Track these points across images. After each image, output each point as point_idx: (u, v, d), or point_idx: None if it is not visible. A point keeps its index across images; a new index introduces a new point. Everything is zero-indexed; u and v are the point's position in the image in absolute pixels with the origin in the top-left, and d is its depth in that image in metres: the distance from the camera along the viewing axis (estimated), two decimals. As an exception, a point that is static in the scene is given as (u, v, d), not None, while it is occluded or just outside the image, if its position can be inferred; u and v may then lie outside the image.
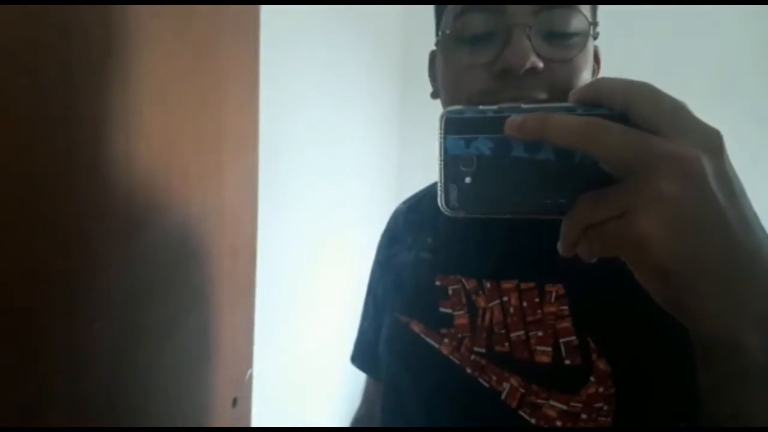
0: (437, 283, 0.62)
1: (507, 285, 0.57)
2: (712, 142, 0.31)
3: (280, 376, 1.49)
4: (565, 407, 0.53)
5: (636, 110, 0.31)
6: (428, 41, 0.62)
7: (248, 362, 1.15)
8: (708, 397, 0.36)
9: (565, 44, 0.50)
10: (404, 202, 0.80)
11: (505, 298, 0.57)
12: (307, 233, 1.59)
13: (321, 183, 1.66)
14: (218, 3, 0.76)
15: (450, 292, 0.61)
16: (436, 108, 0.47)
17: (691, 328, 0.33)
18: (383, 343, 0.69)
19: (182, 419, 0.88)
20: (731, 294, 0.31)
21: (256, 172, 1.00)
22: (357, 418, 0.87)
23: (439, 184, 0.36)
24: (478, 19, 0.50)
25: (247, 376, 1.10)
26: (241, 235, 0.95)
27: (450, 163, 0.36)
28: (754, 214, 0.32)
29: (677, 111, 0.32)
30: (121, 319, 0.59)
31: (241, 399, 1.14)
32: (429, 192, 0.76)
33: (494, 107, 0.35)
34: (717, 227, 0.30)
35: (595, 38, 0.52)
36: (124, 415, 0.65)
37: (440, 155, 0.36)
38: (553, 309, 0.55)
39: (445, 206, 0.36)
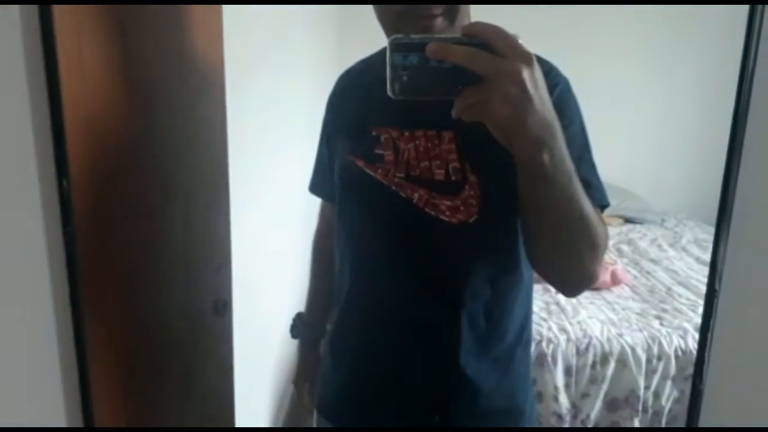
0: (373, 133, 0.89)
1: (418, 133, 0.86)
2: (529, 61, 0.57)
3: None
4: (450, 203, 0.84)
5: (493, 43, 0.57)
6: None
7: (227, 252, 1.26)
8: (524, 193, 0.69)
9: None
10: (347, 71, 1.03)
11: (417, 142, 0.86)
12: (271, 133, 1.88)
13: (277, 88, 1.95)
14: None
15: (382, 139, 0.88)
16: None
17: (516, 155, 0.64)
18: (337, 175, 0.95)
19: (173, 283, 1.01)
20: (534, 138, 0.61)
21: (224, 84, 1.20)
22: (318, 230, 1.18)
23: (387, 80, 0.59)
24: None
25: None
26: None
27: (394, 68, 0.59)
28: (549, 99, 0.61)
29: (514, 44, 0.57)
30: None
31: (224, 303, 1.21)
32: (365, 66, 1.00)
33: (419, 36, 0.59)
34: (530, 106, 0.58)
35: None
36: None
37: (388, 64, 0.59)
38: (446, 147, 0.85)
39: (391, 93, 0.60)
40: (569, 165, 0.66)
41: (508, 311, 0.90)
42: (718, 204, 0.62)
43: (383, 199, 0.87)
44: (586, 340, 1.90)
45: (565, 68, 0.85)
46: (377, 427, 0.95)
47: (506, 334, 0.91)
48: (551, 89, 0.66)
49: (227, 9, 1.20)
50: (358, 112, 0.94)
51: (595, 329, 1.95)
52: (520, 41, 0.58)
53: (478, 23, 0.59)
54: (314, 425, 1.09)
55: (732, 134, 0.60)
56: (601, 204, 0.82)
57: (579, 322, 2.00)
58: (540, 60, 0.69)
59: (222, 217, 1.27)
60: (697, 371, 0.67)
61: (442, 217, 0.84)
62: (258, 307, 1.84)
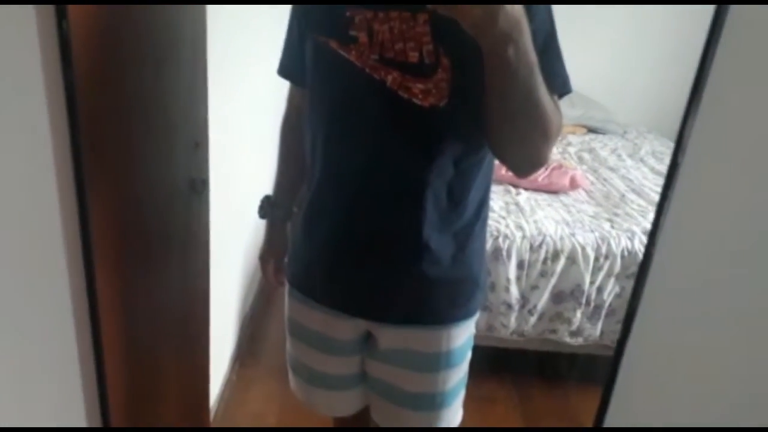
0: (347, 14, 0.89)
1: (393, 14, 0.86)
2: None
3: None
4: (422, 86, 0.87)
5: None
6: None
7: (205, 131, 1.26)
8: (488, 81, 0.76)
9: None
10: None
11: (391, 23, 0.87)
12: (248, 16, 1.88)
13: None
14: None
15: (356, 20, 0.88)
16: None
17: (483, 47, 0.71)
18: (309, 57, 0.96)
19: (155, 160, 1.02)
20: (502, 34, 0.66)
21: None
22: (286, 114, 1.19)
23: None
24: None
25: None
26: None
27: None
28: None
29: None
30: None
31: (203, 181, 1.25)
32: None
33: None
34: (500, 6, 0.64)
35: None
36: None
37: None
38: (420, 29, 0.86)
39: None
40: (532, 59, 0.72)
41: (468, 190, 0.97)
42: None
43: (356, 81, 0.90)
44: (540, 238, 2.03)
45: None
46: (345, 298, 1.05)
47: (466, 211, 0.99)
48: None
49: None
50: None
51: (550, 228, 2.07)
52: None
53: None
54: (285, 298, 1.17)
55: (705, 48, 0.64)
56: (563, 91, 0.89)
57: (535, 221, 2.12)
58: None
59: (200, 97, 1.28)
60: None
61: (414, 100, 0.88)
62: (233, 187, 1.87)
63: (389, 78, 0.88)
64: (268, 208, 1.22)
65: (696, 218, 0.71)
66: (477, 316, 1.10)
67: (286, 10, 1.04)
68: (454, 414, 1.14)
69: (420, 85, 0.87)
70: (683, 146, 0.68)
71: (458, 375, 1.11)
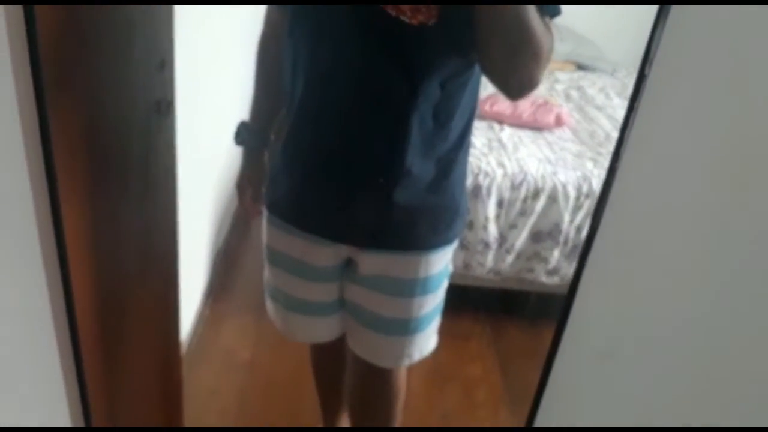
0: None
1: None
2: None
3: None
4: (412, 4, 0.83)
5: None
6: None
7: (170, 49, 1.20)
8: (480, 18, 0.79)
9: None
10: None
11: None
12: None
13: None
14: None
15: None
16: None
17: None
18: None
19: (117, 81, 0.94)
20: None
21: None
22: (263, 35, 1.13)
23: None
24: None
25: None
26: None
27: None
28: None
29: None
30: None
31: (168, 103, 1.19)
32: None
33: None
34: None
35: None
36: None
37: None
38: None
39: None
40: None
41: (453, 114, 0.95)
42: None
43: None
44: (521, 176, 1.99)
45: None
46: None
47: (450, 135, 0.97)
48: None
49: None
50: None
51: (532, 166, 2.04)
52: None
53: None
54: (263, 225, 1.15)
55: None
56: (553, 13, 0.86)
57: (517, 159, 2.08)
58: None
59: (165, 12, 1.19)
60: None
61: (402, 17, 0.85)
62: (203, 110, 1.80)
63: None
64: (245, 134, 1.17)
65: (659, 148, 0.69)
66: (456, 244, 1.10)
67: None
68: (428, 339, 1.16)
69: (409, 3, 0.85)
70: (650, 58, 0.65)
71: (434, 302, 1.11)
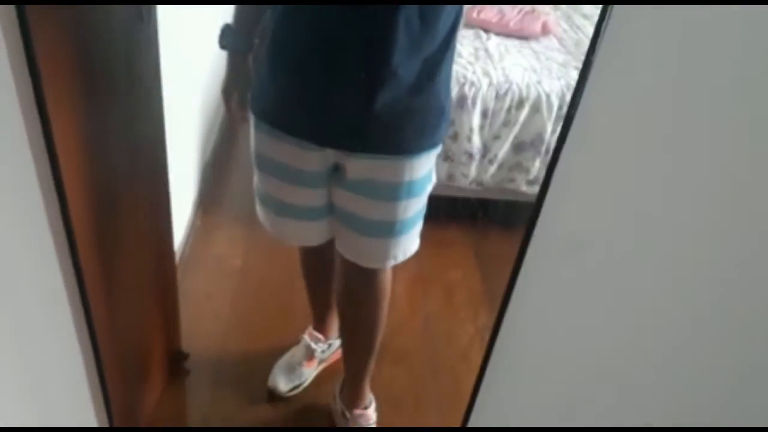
0: None
1: None
2: None
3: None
4: None
5: None
6: None
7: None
8: None
9: None
10: None
11: None
12: None
13: None
14: None
15: None
16: None
17: None
18: None
19: None
20: None
21: None
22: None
23: None
24: None
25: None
26: None
27: None
28: None
29: None
30: None
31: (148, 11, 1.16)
32: None
33: None
34: None
35: None
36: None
37: None
38: None
39: None
40: None
41: (440, 13, 0.96)
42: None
43: None
44: (506, 85, 2.00)
45: None
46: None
47: (437, 35, 0.97)
48: None
49: None
50: None
51: (517, 75, 2.04)
52: None
53: None
54: (251, 132, 1.16)
55: None
56: None
57: (503, 68, 2.07)
58: None
59: None
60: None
61: None
62: (186, 16, 1.76)
63: None
64: (229, 37, 1.16)
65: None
66: (440, 148, 1.12)
67: None
68: (412, 242, 1.21)
69: None
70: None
71: (417, 205, 1.15)
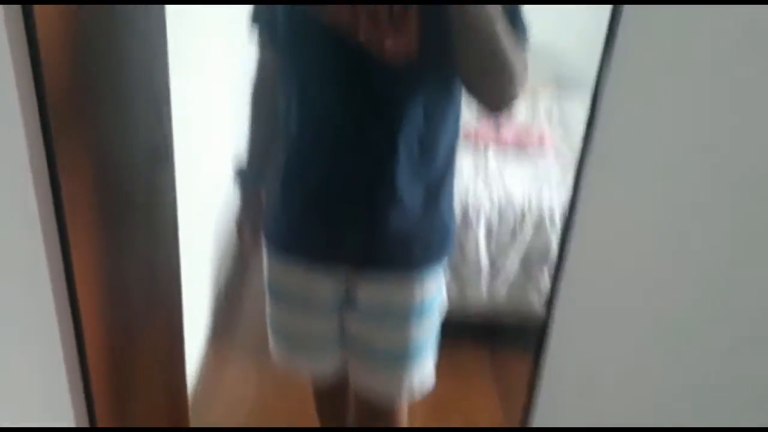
0: None
1: None
2: None
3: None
4: (393, 38, 0.87)
5: None
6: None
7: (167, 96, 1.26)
8: (453, 17, 0.81)
9: None
10: None
11: None
12: None
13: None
14: None
15: None
16: None
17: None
18: (283, 18, 0.99)
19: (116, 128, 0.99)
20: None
21: None
22: (258, 76, 1.18)
23: None
24: None
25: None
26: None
27: None
28: None
29: None
30: None
31: (166, 148, 1.22)
32: None
33: None
34: None
35: None
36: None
37: None
38: None
39: None
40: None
41: (438, 138, 1.02)
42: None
43: (329, 39, 0.93)
44: (507, 200, 2.04)
45: None
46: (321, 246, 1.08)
47: (437, 159, 1.03)
48: None
49: None
50: None
51: (517, 189, 2.09)
52: None
53: None
54: (264, 260, 1.18)
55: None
56: (522, 36, 0.92)
57: (503, 183, 2.13)
58: None
59: (161, 62, 1.25)
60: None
61: (385, 50, 0.90)
62: (199, 152, 1.85)
63: (360, 32, 0.89)
64: (242, 172, 1.22)
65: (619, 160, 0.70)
66: (445, 263, 1.14)
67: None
68: (426, 373, 1.18)
69: (390, 37, 0.90)
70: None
71: (430, 329, 1.15)
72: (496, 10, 0.81)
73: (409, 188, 1.01)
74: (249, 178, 1.23)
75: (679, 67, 0.65)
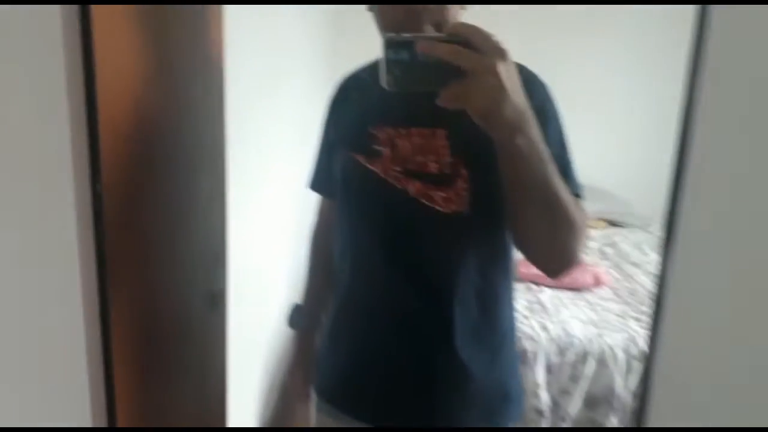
0: (372, 131, 0.96)
1: (413, 131, 0.94)
2: (504, 55, 0.66)
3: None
4: (444, 194, 0.92)
5: (473, 41, 0.65)
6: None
7: (224, 244, 1.25)
8: (504, 173, 0.77)
9: None
10: (347, 76, 1.12)
11: (412, 139, 0.94)
12: (266, 133, 1.88)
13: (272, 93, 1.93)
14: None
15: (380, 137, 0.96)
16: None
17: (494, 138, 0.72)
18: (339, 171, 1.02)
19: (173, 275, 1.02)
20: (509, 122, 0.68)
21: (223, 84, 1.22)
22: (317, 226, 1.22)
23: (381, 74, 0.67)
24: None
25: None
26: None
27: (387, 63, 0.66)
28: (521, 89, 0.69)
29: (491, 41, 0.66)
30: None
31: (220, 295, 1.23)
32: (364, 71, 1.08)
33: (410, 35, 0.66)
34: (504, 95, 0.66)
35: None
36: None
37: (382, 59, 0.66)
38: (438, 143, 0.92)
39: (385, 85, 0.67)
40: (542, 148, 0.74)
41: (499, 299, 0.98)
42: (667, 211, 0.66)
43: (382, 192, 0.94)
44: (567, 339, 1.97)
45: (548, 73, 0.95)
46: (375, 412, 1.02)
47: (498, 322, 0.99)
48: (532, 95, 0.73)
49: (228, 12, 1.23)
50: (358, 113, 1.02)
51: (576, 329, 2.02)
52: (496, 38, 0.67)
53: (460, 23, 0.68)
54: (312, 411, 1.14)
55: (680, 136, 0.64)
56: (576, 193, 0.89)
57: (561, 322, 2.07)
58: (522, 68, 0.80)
59: (219, 208, 1.30)
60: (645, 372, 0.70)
61: (437, 207, 0.91)
62: (252, 299, 1.87)
63: (411, 188, 0.92)
64: (297, 317, 1.22)
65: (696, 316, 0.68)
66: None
67: (305, 118, 1.10)
68: None
69: (441, 194, 0.91)
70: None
71: None
72: (542, 151, 0.74)
73: (467, 348, 0.96)
74: (304, 320, 1.22)
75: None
